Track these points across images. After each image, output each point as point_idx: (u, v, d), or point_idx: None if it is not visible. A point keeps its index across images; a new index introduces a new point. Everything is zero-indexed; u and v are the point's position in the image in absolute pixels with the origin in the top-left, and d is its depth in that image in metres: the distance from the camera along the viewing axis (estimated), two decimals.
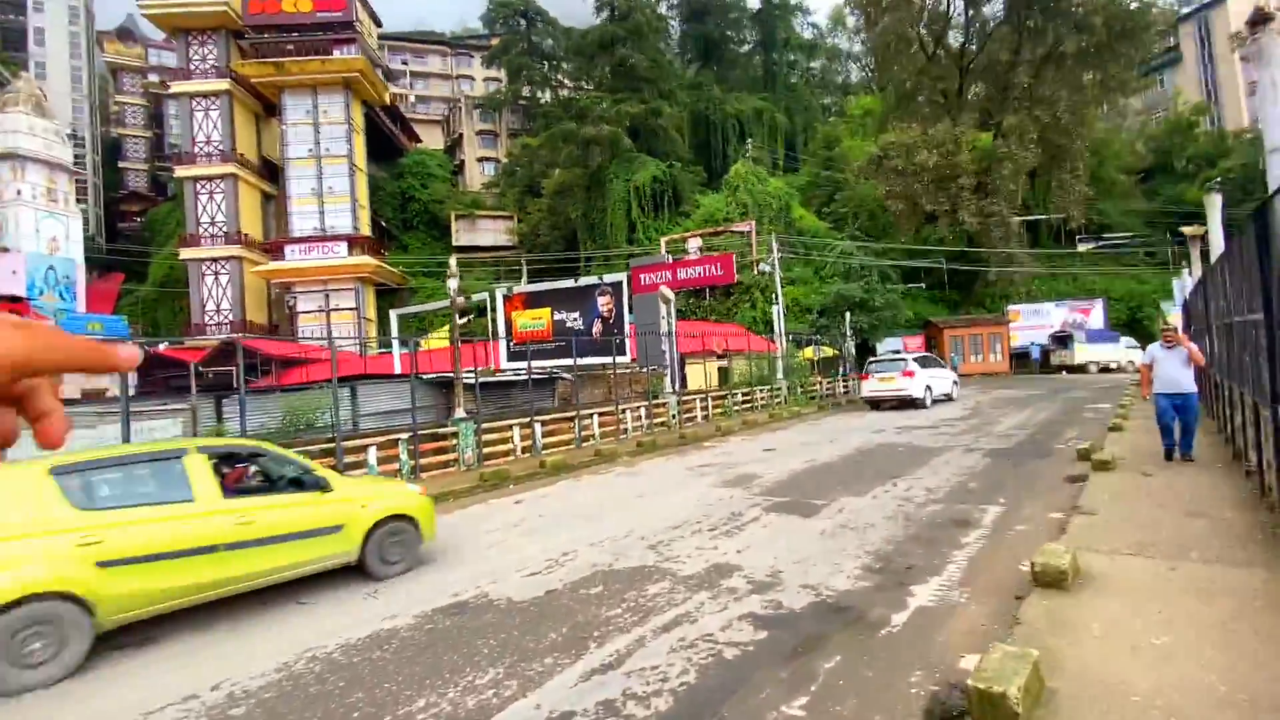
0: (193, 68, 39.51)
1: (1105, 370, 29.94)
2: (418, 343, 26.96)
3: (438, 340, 28.49)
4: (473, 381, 14.16)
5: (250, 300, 39.72)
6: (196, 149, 39.36)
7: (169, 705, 3.68)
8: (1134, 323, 33.99)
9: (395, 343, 24.83)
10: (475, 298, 25.61)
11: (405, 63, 65.74)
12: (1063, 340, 32.44)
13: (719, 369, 24.88)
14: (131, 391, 11.61)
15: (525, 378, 14.10)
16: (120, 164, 59.90)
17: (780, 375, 22.80)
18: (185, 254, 39.03)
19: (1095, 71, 32.12)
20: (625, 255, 33.98)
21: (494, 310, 23.06)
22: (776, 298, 24.48)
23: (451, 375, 14.40)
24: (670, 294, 17.62)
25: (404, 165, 49.87)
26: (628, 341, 21.83)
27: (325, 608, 5.21)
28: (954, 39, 35.99)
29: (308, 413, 12.15)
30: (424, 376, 15.33)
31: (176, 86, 39.95)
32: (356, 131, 40.56)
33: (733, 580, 5.24)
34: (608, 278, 22.33)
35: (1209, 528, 5.25)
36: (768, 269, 25.84)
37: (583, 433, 13.96)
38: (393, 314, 26.71)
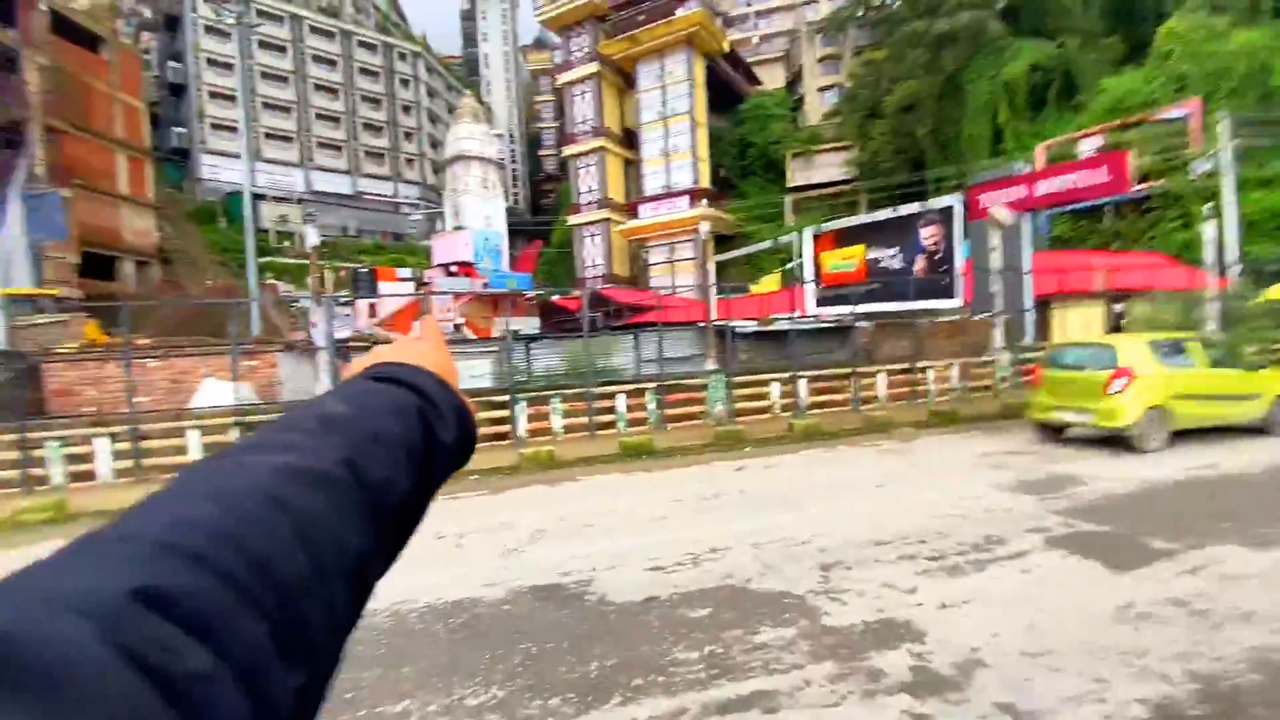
0: (572, 59, 46.20)
1: None
2: (745, 288, 27.05)
3: (766, 285, 28.09)
4: (740, 330, 13.26)
5: (616, 256, 45.87)
6: (576, 129, 46.35)
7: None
8: None
9: (711, 290, 25.39)
10: (783, 239, 24.04)
11: (749, 3, 64.94)
12: None
13: (1115, 315, 18.27)
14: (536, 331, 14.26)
15: (791, 329, 12.48)
16: (540, 152, 75.09)
17: (1212, 324, 15.38)
18: (571, 220, 47.02)
19: None
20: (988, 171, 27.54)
21: (801, 252, 21.32)
22: (1218, 208, 16.43)
23: (730, 324, 13.76)
24: (1007, 216, 13.20)
25: (743, 112, 49.87)
26: (959, 281, 17.62)
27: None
28: None
29: (597, 356, 13.15)
30: (701, 325, 15.08)
31: (562, 78, 47.37)
32: (697, 86, 41.97)
33: (892, 656, 3.36)
34: (934, 203, 18.22)
35: None
36: (1208, 167, 17.49)
37: (862, 394, 11.73)
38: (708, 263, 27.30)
